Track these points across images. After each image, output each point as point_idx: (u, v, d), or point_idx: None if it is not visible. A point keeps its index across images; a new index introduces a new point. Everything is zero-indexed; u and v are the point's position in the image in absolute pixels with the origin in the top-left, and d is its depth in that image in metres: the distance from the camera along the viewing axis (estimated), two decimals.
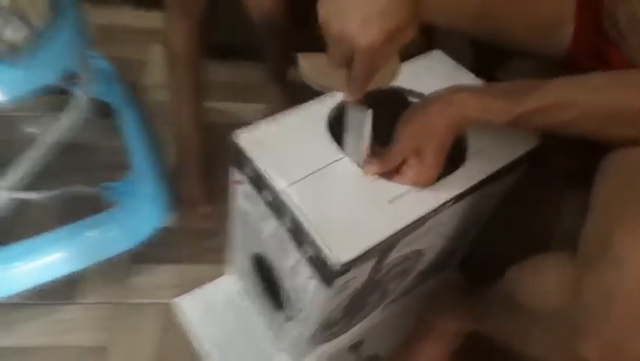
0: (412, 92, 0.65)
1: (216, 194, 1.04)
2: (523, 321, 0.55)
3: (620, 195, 0.46)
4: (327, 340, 0.76)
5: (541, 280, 0.51)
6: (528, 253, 0.66)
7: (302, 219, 0.50)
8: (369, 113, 0.51)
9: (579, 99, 0.49)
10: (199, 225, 1.00)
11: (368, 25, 0.43)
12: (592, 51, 0.66)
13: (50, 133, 0.75)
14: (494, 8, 0.63)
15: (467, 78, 0.68)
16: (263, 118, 1.18)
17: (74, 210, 0.98)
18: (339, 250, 0.47)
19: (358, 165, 0.55)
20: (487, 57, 0.77)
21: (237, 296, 0.85)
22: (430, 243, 0.67)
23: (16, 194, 0.86)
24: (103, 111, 1.18)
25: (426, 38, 0.78)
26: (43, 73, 0.69)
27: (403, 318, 0.84)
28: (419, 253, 0.68)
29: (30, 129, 1.15)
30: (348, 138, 0.55)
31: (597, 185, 0.51)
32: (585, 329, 0.42)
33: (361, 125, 0.52)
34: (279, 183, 0.52)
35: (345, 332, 0.79)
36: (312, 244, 0.49)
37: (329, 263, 0.47)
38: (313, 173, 0.53)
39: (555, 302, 0.48)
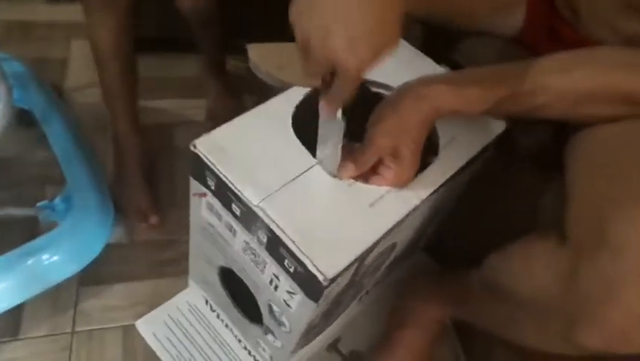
0: (374, 83, 0.63)
1: (163, 200, 0.98)
2: (509, 308, 0.55)
3: (603, 175, 0.46)
4: (306, 343, 0.73)
5: (529, 268, 0.51)
6: (499, 238, 0.67)
7: (281, 234, 0.46)
8: (343, 122, 0.48)
9: (552, 82, 0.49)
10: (149, 236, 0.94)
11: (356, 45, 0.39)
12: (545, 30, 0.66)
13: None
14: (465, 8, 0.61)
15: (429, 65, 0.66)
16: (205, 114, 1.14)
17: (7, 236, 0.88)
18: (326, 265, 0.45)
19: (332, 174, 0.52)
20: (438, 40, 0.76)
21: (204, 308, 0.80)
22: (403, 235, 0.66)
23: None
24: (24, 120, 1.07)
25: None
26: None
27: (377, 309, 0.84)
28: (392, 247, 0.66)
29: None
30: (321, 147, 0.52)
31: (572, 167, 0.51)
32: (586, 318, 0.42)
33: (335, 134, 0.49)
34: (251, 196, 0.48)
35: (322, 332, 0.77)
36: (295, 259, 0.46)
37: (317, 279, 0.44)
38: (287, 183, 0.49)
39: (545, 290, 0.48)
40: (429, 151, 0.59)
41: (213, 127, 0.56)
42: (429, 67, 0.66)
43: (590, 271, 0.42)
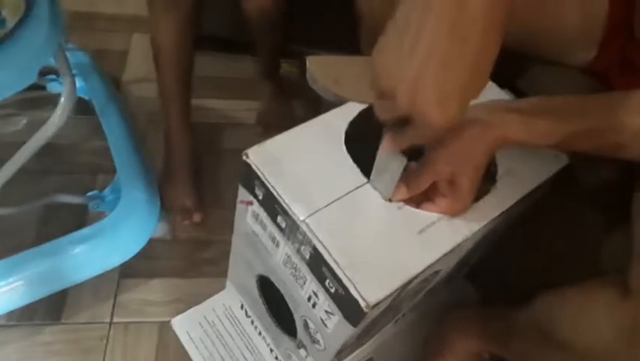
0: None
1: (207, 199, 1.00)
2: (563, 357, 0.52)
3: None
4: None
5: (588, 317, 0.49)
6: (546, 277, 0.64)
7: (324, 253, 0.46)
8: (405, 161, 0.47)
9: (631, 122, 0.46)
10: (191, 234, 0.96)
11: (448, 102, 0.36)
12: (621, 60, 0.63)
13: (32, 142, 0.69)
14: (521, 15, 0.59)
15: (491, 89, 0.65)
16: (256, 117, 1.15)
17: (57, 221, 0.92)
18: (369, 290, 0.44)
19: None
20: (502, 64, 0.73)
21: (239, 312, 0.81)
22: (448, 263, 0.64)
23: None
24: (83, 109, 1.11)
25: None
26: (17, 75, 0.62)
27: (412, 332, 0.82)
28: (436, 273, 0.65)
29: (5, 131, 1.08)
30: (377, 176, 0.51)
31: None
32: None
33: (394, 169, 0.48)
34: (298, 211, 0.48)
35: (354, 352, 0.76)
36: (337, 280, 0.45)
37: (358, 304, 0.44)
38: (335, 201, 0.49)
39: (606, 343, 0.45)
40: (484, 180, 0.57)
41: (263, 131, 0.57)
42: (491, 90, 0.64)
43: None
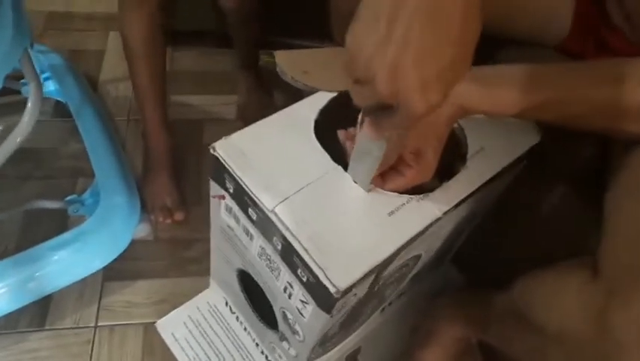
0: None
1: (189, 197, 1.01)
2: (538, 340, 0.53)
3: None
4: (324, 353, 0.74)
5: (560, 300, 0.49)
6: (525, 257, 0.66)
7: (294, 242, 0.47)
8: (384, 145, 0.47)
9: (591, 93, 0.48)
10: (174, 233, 0.97)
11: (429, 90, 0.35)
12: (592, 39, 0.64)
13: (2, 148, 0.71)
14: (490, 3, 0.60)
15: None
16: (237, 109, 1.17)
17: (38, 227, 0.94)
18: (339, 276, 0.45)
19: (365, 189, 0.52)
20: (480, 48, 0.75)
21: (223, 309, 0.83)
22: (428, 246, 0.66)
23: None
24: (60, 111, 1.13)
25: None
26: None
27: (400, 321, 0.84)
28: (417, 258, 0.67)
29: None
30: (356, 162, 0.52)
31: (614, 197, 0.49)
32: None
33: (375, 153, 0.49)
34: (266, 201, 0.49)
35: (342, 341, 0.78)
36: (308, 269, 0.47)
37: (329, 291, 0.45)
38: (303, 188, 0.50)
39: (576, 326, 0.46)
40: (455, 159, 0.59)
41: (244, 126, 0.58)
42: None
43: (624, 316, 0.40)
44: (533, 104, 0.49)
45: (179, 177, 1.02)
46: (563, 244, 0.65)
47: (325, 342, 0.68)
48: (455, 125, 0.60)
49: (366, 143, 0.49)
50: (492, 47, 0.72)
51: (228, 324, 0.81)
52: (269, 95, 1.19)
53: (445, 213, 0.53)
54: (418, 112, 0.36)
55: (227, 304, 0.81)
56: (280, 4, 1.15)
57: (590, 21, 0.64)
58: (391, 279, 0.65)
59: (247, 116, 1.14)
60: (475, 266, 0.86)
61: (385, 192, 0.52)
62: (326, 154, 0.53)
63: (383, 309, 0.79)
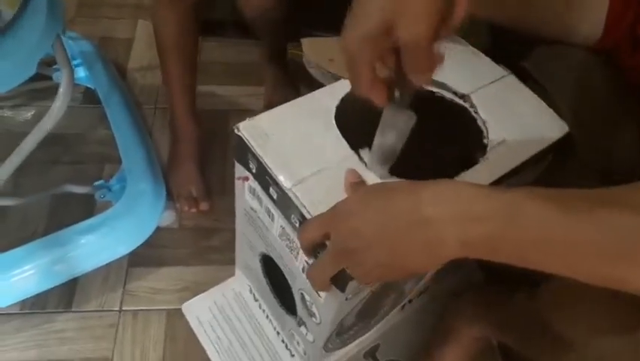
0: None
1: (214, 187, 1.10)
2: (560, 348, 0.57)
3: None
4: (342, 345, 0.81)
5: (586, 311, 0.53)
6: None
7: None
8: (414, 117, 0.52)
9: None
10: (198, 222, 1.06)
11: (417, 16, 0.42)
12: (630, 39, 0.67)
13: (33, 134, 0.79)
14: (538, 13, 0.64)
15: (486, 64, 0.71)
16: (264, 101, 1.24)
17: (66, 211, 1.04)
18: None
19: (382, 165, 0.57)
20: (507, 45, 0.79)
21: (248, 297, 0.90)
22: None
23: (3, 201, 0.91)
24: (89, 98, 1.23)
25: None
26: (16, 68, 0.70)
27: (420, 320, 0.89)
28: None
29: (9, 122, 1.20)
30: (381, 138, 0.56)
31: None
32: None
33: (401, 130, 0.54)
34: (285, 180, 0.56)
35: (361, 336, 0.84)
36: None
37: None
38: (321, 170, 0.57)
39: (609, 343, 0.49)
40: (475, 150, 0.64)
41: None
42: (487, 67, 0.71)
43: None
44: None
45: (205, 166, 1.10)
46: None
47: (342, 333, 0.74)
48: (476, 114, 0.66)
49: (395, 115, 0.53)
50: (523, 46, 0.76)
51: (251, 311, 0.89)
52: (296, 89, 1.26)
53: None
54: (415, 36, 0.43)
55: (251, 291, 0.89)
56: None
57: (625, 20, 0.67)
58: None
59: (274, 107, 1.21)
60: (500, 266, 0.90)
61: (401, 179, 0.58)
62: (344, 141, 0.60)
63: (403, 306, 0.85)
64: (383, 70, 0.48)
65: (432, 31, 0.43)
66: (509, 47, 0.77)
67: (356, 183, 0.54)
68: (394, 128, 0.54)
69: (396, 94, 0.52)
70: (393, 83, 0.50)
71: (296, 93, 1.26)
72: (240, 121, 0.60)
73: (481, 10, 0.67)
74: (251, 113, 1.21)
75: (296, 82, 1.27)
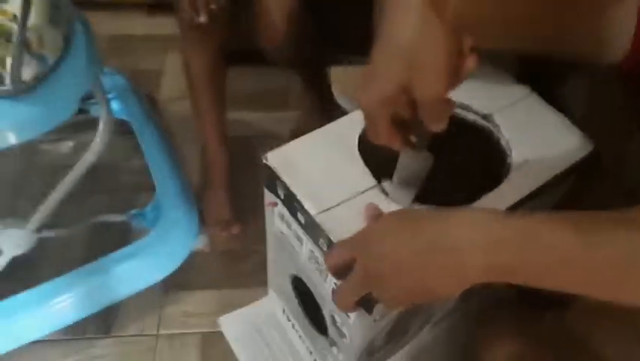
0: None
1: (244, 211, 1.13)
2: None
3: None
4: None
5: (622, 334, 0.53)
6: None
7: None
8: (431, 158, 0.55)
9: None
10: (230, 246, 1.09)
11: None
12: None
13: (76, 169, 0.83)
14: (544, 27, 0.65)
15: (509, 84, 0.73)
16: (300, 127, 1.27)
17: (103, 239, 1.08)
18: None
19: (404, 205, 0.59)
20: (534, 74, 0.80)
21: (281, 317, 0.92)
22: None
23: (45, 233, 0.95)
24: (122, 129, 1.28)
25: None
26: (60, 108, 0.76)
27: (451, 339, 0.90)
28: None
29: (49, 155, 1.26)
30: (398, 179, 0.59)
31: None
32: None
33: (418, 171, 0.57)
34: (311, 208, 0.58)
35: (390, 356, 0.85)
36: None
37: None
38: (346, 200, 0.59)
39: None
40: (499, 170, 0.65)
41: None
42: (515, 90, 0.72)
43: None
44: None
45: (236, 192, 1.14)
46: None
47: (373, 352, 0.75)
48: (499, 134, 0.67)
49: (412, 158, 0.56)
50: (551, 70, 0.77)
51: (285, 331, 0.91)
52: (330, 116, 1.26)
53: None
54: (428, 97, 0.47)
55: (284, 312, 0.91)
56: (345, 21, 1.24)
57: None
58: None
59: (302, 135, 1.24)
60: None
61: (425, 207, 0.59)
62: (367, 171, 0.62)
63: (433, 326, 0.86)
64: (399, 118, 0.51)
65: (446, 88, 0.46)
66: (538, 74, 0.78)
67: (375, 215, 0.56)
68: (412, 171, 0.57)
69: (413, 138, 0.54)
70: (409, 129, 0.53)
71: (328, 121, 1.27)
72: (266, 147, 0.63)
73: (511, 44, 0.69)
74: (277, 138, 1.27)
75: (334, 109, 1.28)
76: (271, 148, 0.66)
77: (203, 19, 0.90)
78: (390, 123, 0.50)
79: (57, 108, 0.74)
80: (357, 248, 0.51)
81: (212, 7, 0.90)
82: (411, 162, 0.57)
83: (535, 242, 0.41)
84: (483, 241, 0.43)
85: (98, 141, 0.81)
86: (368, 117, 0.51)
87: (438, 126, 0.49)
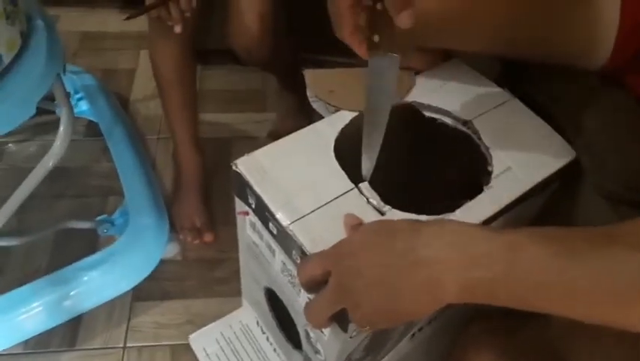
0: (429, 107, 0.68)
1: (217, 217, 1.09)
2: None
3: None
4: None
5: (601, 345, 0.52)
6: None
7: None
8: (397, 61, 0.52)
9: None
10: (202, 253, 1.05)
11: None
12: (634, 59, 0.66)
13: (34, 173, 0.79)
14: (525, 31, 0.63)
15: (489, 89, 0.71)
16: (271, 128, 1.24)
17: (69, 246, 1.04)
18: None
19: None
20: (515, 75, 0.78)
21: (255, 329, 0.89)
22: None
23: (7, 241, 0.90)
24: (92, 131, 1.24)
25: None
26: (15, 110, 0.71)
27: (431, 349, 0.87)
28: None
29: (14, 157, 1.21)
30: (369, 90, 0.56)
31: None
32: None
33: (388, 76, 0.54)
34: (283, 218, 0.55)
35: None
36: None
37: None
38: (321, 207, 0.56)
39: None
40: (481, 178, 0.63)
41: None
42: (489, 91, 0.70)
43: None
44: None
45: (208, 196, 1.10)
46: None
47: None
48: (479, 140, 0.65)
49: (377, 63, 0.53)
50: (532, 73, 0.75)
51: (259, 344, 0.87)
52: (308, 119, 1.25)
53: None
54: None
55: (258, 324, 0.88)
56: (321, 23, 1.22)
57: (632, 44, 0.66)
58: None
59: (279, 136, 1.21)
60: None
61: (403, 213, 0.57)
62: (344, 174, 0.59)
63: (413, 335, 0.83)
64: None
65: None
66: (517, 78, 0.77)
67: (355, 226, 0.53)
68: (382, 75, 0.54)
69: (376, 38, 0.52)
70: (371, 29, 0.51)
71: (307, 123, 1.24)
72: (242, 149, 0.61)
73: (491, 48, 0.67)
74: (254, 140, 1.24)
75: (309, 112, 1.26)
76: (247, 150, 0.63)
77: (178, 29, 0.88)
78: (355, 16, 0.49)
79: (12, 110, 0.70)
80: (331, 261, 0.48)
81: (187, 15, 0.87)
82: (378, 65, 0.53)
83: (520, 262, 0.39)
84: (463, 258, 0.41)
85: (58, 144, 0.77)
86: (332, 6, 0.49)
87: (403, 20, 0.46)
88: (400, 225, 0.47)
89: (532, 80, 0.75)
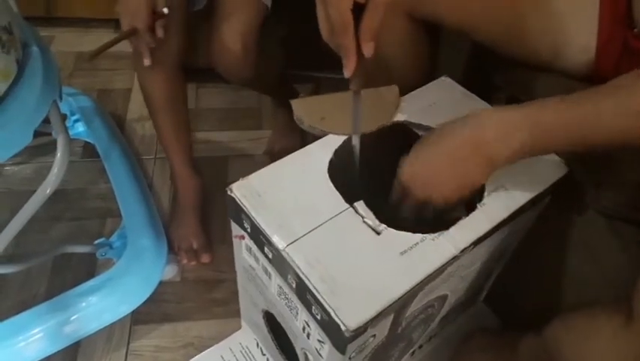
0: (420, 126, 0.70)
1: (215, 237, 1.10)
2: None
3: None
4: None
5: (592, 347, 0.53)
6: (565, 297, 0.69)
7: (306, 280, 0.54)
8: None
9: (606, 117, 0.52)
10: (200, 274, 1.06)
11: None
12: (618, 63, 0.68)
13: (33, 200, 0.80)
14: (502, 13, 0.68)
15: (477, 105, 0.72)
16: (267, 147, 1.26)
17: (67, 271, 1.05)
18: (350, 314, 0.52)
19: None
20: (485, 63, 0.81)
21: (255, 352, 0.90)
22: (454, 286, 0.71)
23: (4, 268, 0.91)
24: (89, 152, 1.26)
25: (430, 64, 0.82)
26: (12, 139, 0.72)
27: None
28: (443, 298, 0.72)
29: (10, 180, 1.22)
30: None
31: None
32: None
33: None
34: (278, 241, 0.57)
35: None
36: (321, 307, 0.54)
37: (340, 329, 0.52)
38: (315, 228, 0.57)
39: None
40: (473, 196, 0.65)
41: (270, 162, 0.69)
42: (478, 107, 0.72)
43: None
44: (546, 121, 0.55)
45: (206, 215, 1.12)
46: (597, 281, 0.69)
47: None
48: None
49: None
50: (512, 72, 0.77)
51: None
52: (302, 136, 1.26)
53: (462, 251, 0.59)
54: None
55: (258, 345, 0.89)
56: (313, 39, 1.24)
57: (614, 45, 0.67)
58: (416, 321, 0.71)
59: (274, 153, 1.24)
60: (510, 306, 0.90)
61: (398, 231, 0.58)
62: (338, 195, 0.61)
63: (413, 352, 0.84)
64: None
65: None
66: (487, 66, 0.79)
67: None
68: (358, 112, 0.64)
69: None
70: None
71: (300, 140, 1.26)
72: (239, 166, 0.63)
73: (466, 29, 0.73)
74: (250, 157, 1.26)
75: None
76: (244, 168, 0.64)
77: (147, 62, 0.92)
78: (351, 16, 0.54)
79: (9, 138, 0.71)
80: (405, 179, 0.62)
81: (152, 45, 0.90)
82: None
83: (541, 123, 0.55)
84: (499, 135, 0.56)
85: (56, 171, 0.79)
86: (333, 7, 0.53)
87: (366, 49, 0.55)
88: (444, 130, 0.62)
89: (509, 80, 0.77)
